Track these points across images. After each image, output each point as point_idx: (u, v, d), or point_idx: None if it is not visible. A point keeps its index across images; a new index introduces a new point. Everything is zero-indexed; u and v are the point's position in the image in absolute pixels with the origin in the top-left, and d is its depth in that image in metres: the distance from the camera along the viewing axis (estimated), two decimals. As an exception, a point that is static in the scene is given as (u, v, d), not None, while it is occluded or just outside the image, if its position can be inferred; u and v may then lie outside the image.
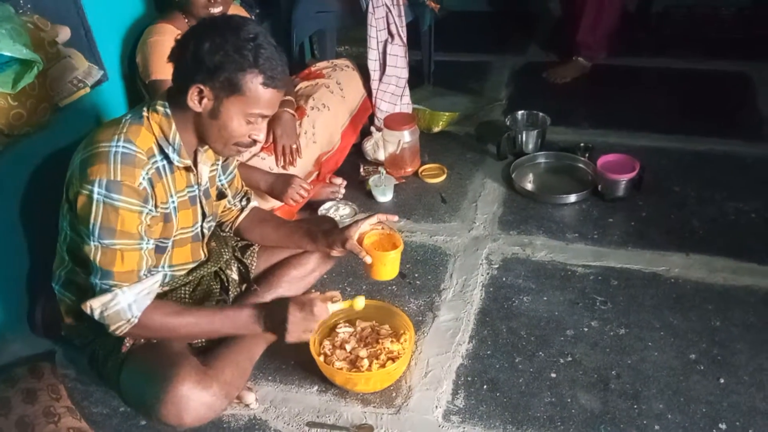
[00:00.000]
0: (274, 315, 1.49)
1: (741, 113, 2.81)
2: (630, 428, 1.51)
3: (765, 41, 3.35)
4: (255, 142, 1.45)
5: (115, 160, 1.33)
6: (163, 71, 1.92)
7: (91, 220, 1.33)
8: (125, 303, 1.37)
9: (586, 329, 1.79)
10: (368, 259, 1.61)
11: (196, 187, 1.54)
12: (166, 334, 1.49)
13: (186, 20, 2.01)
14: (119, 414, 1.64)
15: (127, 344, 1.48)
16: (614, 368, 1.67)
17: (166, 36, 1.95)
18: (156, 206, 1.42)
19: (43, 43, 1.75)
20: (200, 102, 1.36)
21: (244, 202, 1.77)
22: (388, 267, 1.66)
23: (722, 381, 1.61)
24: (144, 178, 1.36)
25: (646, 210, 2.24)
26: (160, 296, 1.54)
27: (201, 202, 1.57)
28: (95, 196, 1.32)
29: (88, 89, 1.95)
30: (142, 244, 1.38)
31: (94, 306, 1.37)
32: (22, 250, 1.85)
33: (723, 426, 1.50)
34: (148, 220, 1.39)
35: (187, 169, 1.49)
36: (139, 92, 2.09)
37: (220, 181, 1.67)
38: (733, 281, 1.91)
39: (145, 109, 1.42)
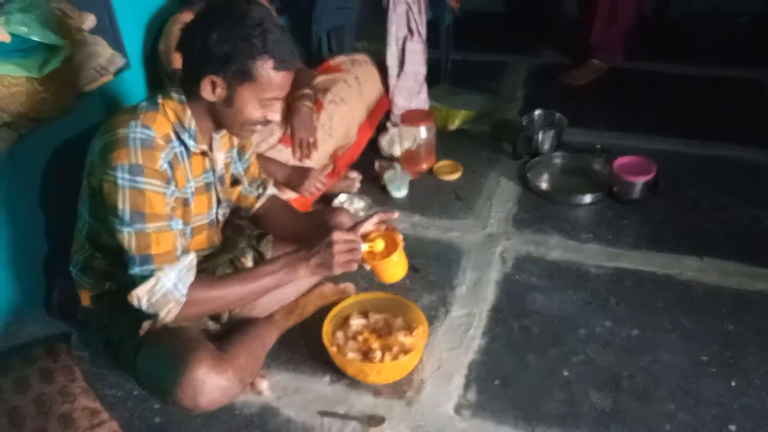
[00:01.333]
0: (314, 249, 1.47)
1: (756, 120, 2.80)
2: (640, 428, 1.52)
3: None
4: (271, 121, 1.46)
5: (134, 144, 1.34)
6: (185, 60, 1.94)
7: (120, 207, 1.33)
8: (170, 284, 1.37)
9: (598, 329, 1.79)
10: (367, 267, 1.59)
11: (211, 172, 1.55)
12: (216, 305, 1.48)
13: (209, 10, 2.03)
14: (133, 397, 1.66)
15: (145, 327, 1.50)
16: (626, 368, 1.67)
17: (189, 25, 1.96)
18: (177, 189, 1.43)
19: (70, 29, 1.77)
20: (213, 92, 1.37)
21: (260, 190, 1.78)
22: (395, 269, 1.62)
23: (733, 383, 1.61)
24: (164, 161, 1.38)
25: (661, 213, 2.24)
26: None
27: (216, 188, 1.59)
28: (119, 181, 1.33)
29: (111, 76, 1.97)
30: (172, 224, 1.39)
31: (141, 295, 1.36)
32: (40, 232, 1.87)
33: (733, 428, 1.50)
34: (172, 201, 1.41)
35: (204, 154, 1.50)
36: (161, 81, 2.11)
37: (236, 168, 1.68)
38: (746, 286, 1.90)
39: (159, 96, 1.43)
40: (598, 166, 2.47)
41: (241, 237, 1.78)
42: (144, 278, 1.36)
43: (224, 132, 1.54)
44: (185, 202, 1.49)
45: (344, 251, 1.46)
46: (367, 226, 1.58)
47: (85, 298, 1.61)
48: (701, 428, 1.51)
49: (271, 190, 1.82)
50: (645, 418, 1.54)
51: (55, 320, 1.85)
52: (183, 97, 1.43)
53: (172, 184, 1.40)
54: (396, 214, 1.66)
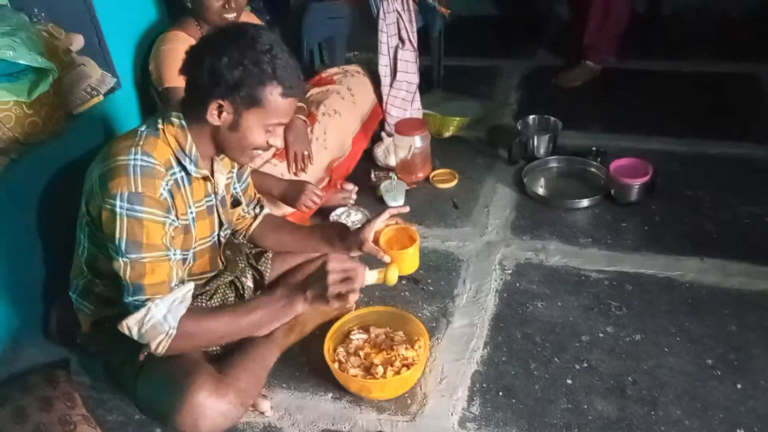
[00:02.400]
0: (311, 280, 1.46)
1: (752, 116, 2.80)
2: (647, 435, 1.50)
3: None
4: (270, 147, 1.45)
5: (134, 172, 1.32)
6: (176, 79, 1.92)
7: (117, 235, 1.32)
8: (160, 315, 1.35)
9: (601, 335, 1.78)
10: (387, 259, 1.59)
11: (213, 196, 1.54)
12: (207, 339, 1.47)
13: (199, 27, 2.02)
14: (134, 422, 1.63)
15: (145, 352, 1.48)
16: (630, 374, 1.65)
17: (179, 44, 1.95)
18: (177, 217, 1.42)
19: (58, 51, 1.77)
20: (219, 116, 1.36)
21: (257, 210, 1.78)
22: (408, 262, 1.66)
23: (739, 386, 1.60)
24: (164, 189, 1.36)
25: (660, 214, 2.23)
26: None
27: (218, 211, 1.57)
28: (118, 210, 1.31)
29: (101, 97, 1.96)
30: (169, 254, 1.38)
31: (131, 325, 1.35)
32: (36, 256, 1.86)
33: (741, 431, 1.49)
34: (171, 231, 1.39)
35: (205, 179, 1.49)
36: (152, 100, 2.10)
37: (234, 189, 1.67)
38: (748, 285, 1.89)
39: (159, 121, 1.42)
40: (595, 169, 2.45)
41: (240, 257, 1.77)
42: (136, 308, 1.35)
43: (223, 156, 1.53)
44: (186, 229, 1.47)
45: (338, 281, 1.43)
46: (379, 224, 1.62)
47: (85, 324, 1.60)
48: (709, 433, 1.49)
49: (266, 209, 1.81)
50: (652, 425, 1.52)
51: (54, 345, 1.84)
52: (183, 122, 1.41)
53: (172, 213, 1.39)
54: (407, 209, 1.70)
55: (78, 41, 1.87)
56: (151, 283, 1.35)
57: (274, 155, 2.16)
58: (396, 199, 2.36)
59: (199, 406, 1.39)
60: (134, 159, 1.34)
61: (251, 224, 1.78)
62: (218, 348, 1.62)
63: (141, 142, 1.37)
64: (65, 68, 1.81)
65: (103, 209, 1.33)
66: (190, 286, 1.42)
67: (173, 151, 1.41)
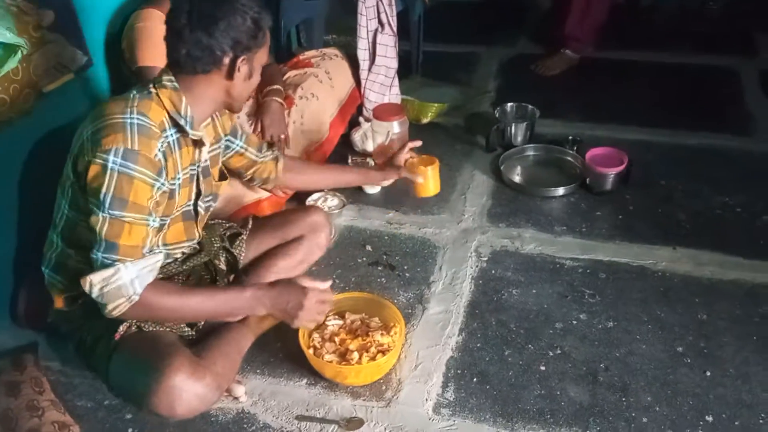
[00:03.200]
0: (283, 298, 1.48)
1: (728, 108, 2.83)
2: (618, 421, 1.52)
3: (752, 36, 3.38)
4: None
5: (131, 130, 1.31)
6: (150, 58, 1.89)
7: (103, 190, 1.30)
8: (128, 278, 1.32)
9: (574, 322, 1.80)
10: (420, 180, 1.94)
11: (197, 165, 1.52)
12: (165, 315, 1.45)
13: (173, 6, 1.97)
14: (104, 407, 1.61)
15: (121, 331, 1.46)
16: (603, 361, 1.67)
17: (153, 21, 1.91)
18: (167, 180, 1.40)
19: (28, 27, 1.71)
20: (239, 71, 1.39)
21: (274, 150, 1.80)
22: (433, 182, 1.99)
23: (709, 374, 1.62)
24: (159, 150, 1.35)
25: (634, 203, 2.25)
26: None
27: (198, 180, 1.55)
28: (110, 164, 1.29)
29: (72, 75, 1.91)
30: (149, 220, 1.36)
31: (95, 281, 1.32)
32: (4, 238, 1.81)
33: (710, 418, 1.52)
34: (158, 195, 1.37)
35: (196, 143, 1.48)
36: (124, 78, 2.05)
37: (234, 148, 1.68)
38: (719, 275, 1.92)
39: (151, 85, 1.40)
40: (571, 158, 2.47)
41: (215, 238, 1.74)
42: (104, 265, 1.32)
43: (207, 122, 1.52)
44: (171, 194, 1.45)
45: (312, 312, 1.49)
46: (405, 155, 1.94)
47: (58, 300, 1.56)
48: (678, 420, 1.51)
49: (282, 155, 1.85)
50: (623, 411, 1.54)
51: (22, 329, 1.80)
52: (176, 84, 1.39)
53: (163, 176, 1.37)
54: (419, 142, 2.01)
55: (49, 17, 1.81)
56: (126, 244, 1.32)
57: (250, 138, 2.13)
58: (372, 185, 2.33)
59: (175, 388, 1.37)
60: (130, 117, 1.33)
61: (277, 166, 1.80)
62: (192, 332, 1.60)
63: (135, 103, 1.36)
64: (35, 44, 1.75)
65: (92, 164, 1.30)
66: (160, 257, 1.40)
67: (168, 113, 1.39)
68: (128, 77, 2.01)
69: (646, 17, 3.67)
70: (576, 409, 1.56)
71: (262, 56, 1.43)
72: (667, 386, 1.60)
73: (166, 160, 1.38)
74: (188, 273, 1.66)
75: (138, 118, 1.33)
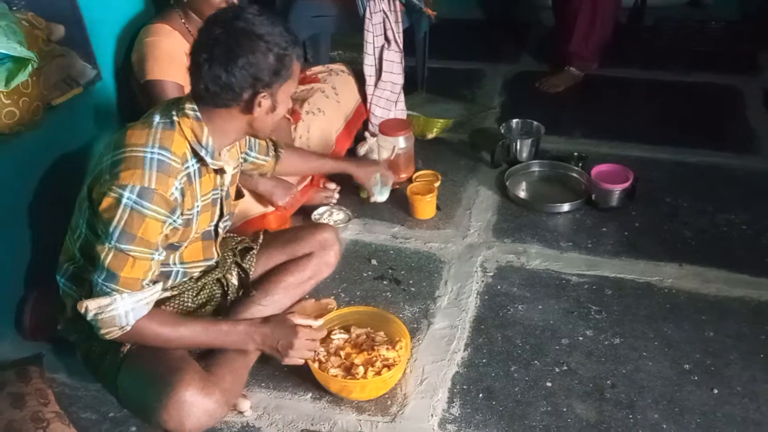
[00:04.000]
0: (274, 336, 1.51)
1: (731, 126, 2.84)
2: (625, 439, 1.51)
3: (754, 55, 3.40)
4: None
5: (151, 166, 1.31)
6: (159, 72, 1.90)
7: (114, 223, 1.30)
8: (122, 310, 1.34)
9: (580, 338, 1.79)
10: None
11: (219, 189, 1.52)
12: (158, 344, 1.46)
13: (183, 21, 1.98)
14: (109, 419, 1.61)
15: (127, 344, 1.46)
16: (609, 378, 1.67)
17: (163, 36, 1.93)
18: (182, 214, 1.40)
19: (38, 40, 1.73)
20: (260, 106, 1.37)
21: (273, 151, 1.82)
22: (427, 207, 2.28)
23: (716, 391, 1.62)
24: (176, 188, 1.35)
25: (639, 220, 2.25)
26: (162, 301, 1.51)
27: (221, 203, 1.56)
28: (124, 200, 1.29)
29: (81, 89, 1.92)
30: (154, 254, 1.36)
31: (90, 307, 1.34)
32: (11, 251, 1.81)
33: (717, 436, 1.51)
34: (168, 230, 1.37)
35: (218, 171, 1.48)
36: (133, 92, 2.06)
37: (251, 159, 1.73)
38: (725, 292, 1.92)
39: (174, 113, 1.39)
40: (576, 174, 2.47)
41: (227, 252, 1.74)
42: (103, 293, 1.34)
43: (230, 146, 1.53)
44: (187, 223, 1.45)
45: (301, 351, 1.53)
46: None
47: (72, 309, 1.55)
48: (685, 437, 1.51)
49: (282, 148, 1.85)
50: (630, 428, 1.53)
51: (27, 341, 1.80)
52: (198, 114, 1.39)
53: (176, 214, 1.37)
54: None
55: (59, 31, 1.83)
56: (127, 276, 1.33)
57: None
58: (382, 192, 2.20)
59: (185, 403, 1.36)
60: (152, 152, 1.33)
61: (276, 164, 1.83)
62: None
63: (159, 135, 1.35)
64: (45, 58, 1.77)
65: (107, 195, 1.31)
66: (158, 288, 1.42)
67: (189, 144, 1.39)
68: (137, 91, 2.02)
69: (648, 36, 3.69)
70: (582, 426, 1.55)
71: (288, 88, 1.41)
72: (674, 404, 1.59)
73: (183, 195, 1.38)
74: (200, 289, 1.66)
75: (159, 153, 1.33)
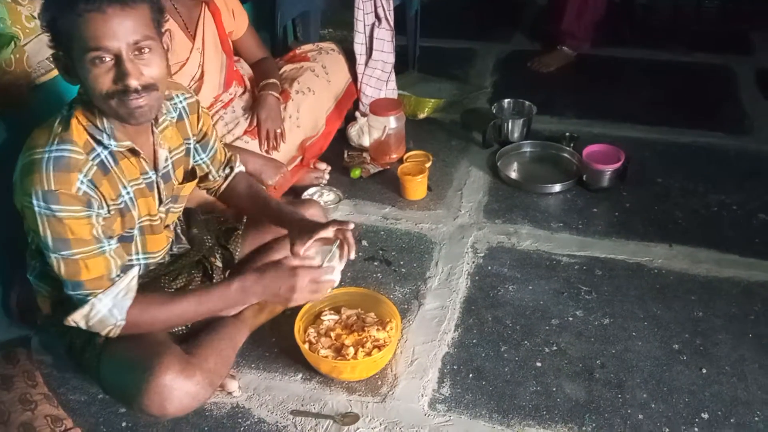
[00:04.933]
0: (274, 284, 1.44)
1: (724, 106, 2.83)
2: (614, 417, 1.52)
3: (747, 35, 3.39)
4: (127, 88, 1.21)
5: (47, 168, 1.23)
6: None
7: (41, 234, 1.25)
8: (105, 309, 1.31)
9: (570, 318, 1.79)
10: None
11: (152, 172, 1.44)
12: (159, 327, 1.44)
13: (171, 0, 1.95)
14: (98, 401, 1.60)
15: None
16: (599, 358, 1.67)
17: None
18: (107, 204, 1.33)
19: (21, 17, 1.69)
20: (64, 69, 1.26)
21: (227, 171, 1.70)
22: (418, 188, 2.28)
23: (704, 371, 1.62)
24: (82, 183, 1.26)
25: (630, 201, 2.24)
26: (140, 288, 1.48)
27: (158, 187, 1.47)
28: (36, 209, 1.23)
29: (66, 67, 1.89)
30: (103, 247, 1.31)
31: (77, 319, 1.32)
32: (-5, 232, 1.79)
33: (705, 415, 1.52)
34: (100, 221, 1.31)
35: (132, 152, 1.37)
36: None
37: (197, 160, 1.60)
38: (715, 272, 1.92)
39: (72, 102, 1.33)
40: (568, 154, 2.46)
41: (207, 235, 1.72)
42: (80, 302, 1.31)
43: (166, 125, 1.45)
44: (122, 212, 1.38)
45: (305, 292, 1.45)
46: (312, 242, 1.52)
47: (45, 306, 1.53)
48: (674, 417, 1.51)
49: (238, 168, 1.72)
50: (618, 407, 1.54)
51: (14, 323, 1.78)
52: (86, 96, 1.28)
53: (94, 206, 1.28)
54: (352, 225, 1.54)
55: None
56: (88, 278, 1.29)
57: (245, 132, 2.12)
58: (331, 261, 1.55)
59: (165, 387, 1.35)
60: (49, 151, 1.24)
61: (222, 184, 1.71)
62: (184, 328, 1.58)
63: (59, 130, 1.27)
64: (28, 36, 1.73)
65: (24, 208, 1.27)
66: (134, 273, 1.37)
67: (86, 129, 1.30)
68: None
69: (641, 15, 3.66)
70: (572, 405, 1.55)
71: (81, 54, 1.19)
72: (663, 383, 1.60)
73: (96, 187, 1.29)
74: (177, 273, 1.62)
75: (57, 149, 1.24)
